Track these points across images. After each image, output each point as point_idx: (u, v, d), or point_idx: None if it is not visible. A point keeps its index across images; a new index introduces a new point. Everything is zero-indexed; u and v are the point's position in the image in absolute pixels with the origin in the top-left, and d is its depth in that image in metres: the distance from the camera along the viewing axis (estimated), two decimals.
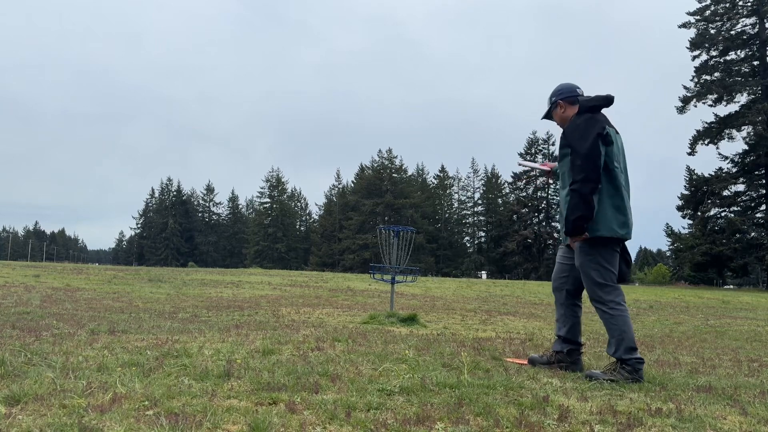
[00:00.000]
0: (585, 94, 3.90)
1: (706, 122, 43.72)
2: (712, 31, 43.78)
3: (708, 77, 43.72)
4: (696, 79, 44.10)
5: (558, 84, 3.99)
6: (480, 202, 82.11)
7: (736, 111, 42.68)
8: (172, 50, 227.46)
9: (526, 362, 4.08)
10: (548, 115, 4.05)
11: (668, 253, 64.56)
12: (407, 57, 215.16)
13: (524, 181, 69.29)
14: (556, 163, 4.00)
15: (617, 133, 3.77)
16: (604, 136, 3.58)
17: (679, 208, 45.91)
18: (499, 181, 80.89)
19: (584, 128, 3.61)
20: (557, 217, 4.16)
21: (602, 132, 3.57)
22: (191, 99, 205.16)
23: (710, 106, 43.46)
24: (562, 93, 3.88)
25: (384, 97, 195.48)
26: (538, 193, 68.66)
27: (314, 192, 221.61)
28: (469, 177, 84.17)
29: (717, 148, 43.85)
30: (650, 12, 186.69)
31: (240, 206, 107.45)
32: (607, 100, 3.73)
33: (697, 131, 44.10)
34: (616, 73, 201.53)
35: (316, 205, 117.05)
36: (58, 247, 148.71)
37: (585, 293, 3.90)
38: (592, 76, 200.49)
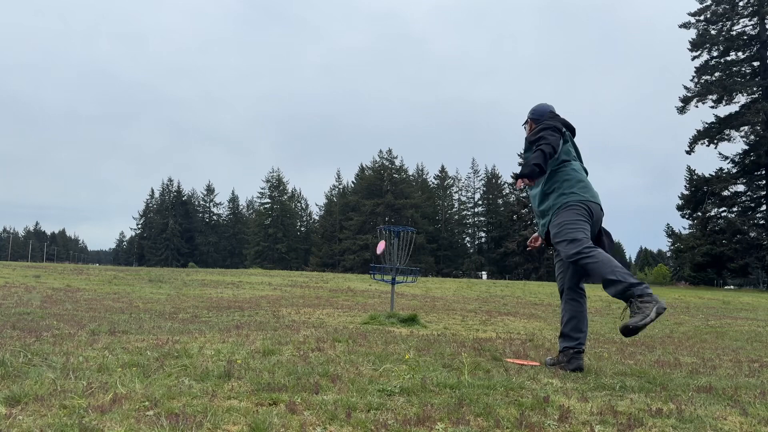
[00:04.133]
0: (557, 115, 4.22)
1: (706, 122, 43.79)
2: (713, 32, 43.81)
3: (708, 78, 43.77)
4: (696, 80, 44.15)
5: (538, 103, 4.28)
6: (480, 202, 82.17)
7: (736, 111, 42.72)
8: (175, 50, 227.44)
9: (526, 362, 4.09)
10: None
11: (668, 254, 64.52)
12: (411, 56, 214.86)
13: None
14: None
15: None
16: (562, 133, 3.93)
17: (679, 208, 45.95)
18: (499, 181, 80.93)
19: (542, 126, 3.95)
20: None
21: (560, 127, 3.93)
22: (194, 99, 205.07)
23: (710, 106, 43.53)
24: (534, 113, 4.21)
25: (386, 97, 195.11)
26: None
27: (315, 192, 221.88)
28: (469, 177, 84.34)
29: (717, 148, 43.95)
30: (655, 11, 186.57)
31: (240, 207, 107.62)
32: (565, 123, 4.07)
33: (697, 131, 44.15)
34: (619, 73, 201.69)
35: (317, 205, 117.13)
36: (58, 248, 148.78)
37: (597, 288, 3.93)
38: (595, 76, 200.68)
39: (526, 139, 4.11)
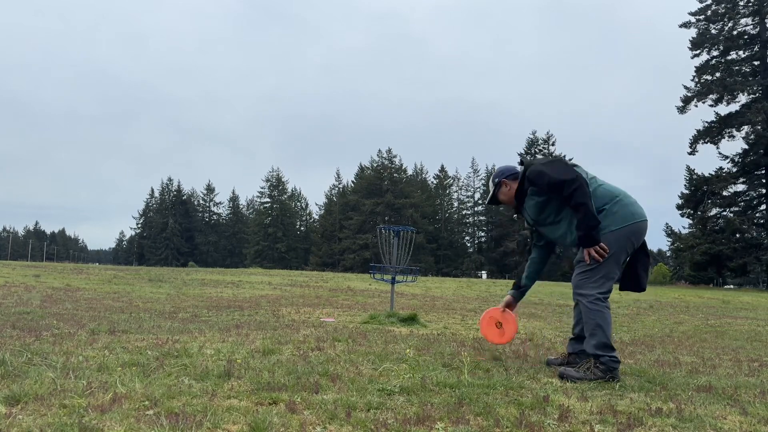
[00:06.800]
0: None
1: (707, 122, 43.78)
2: (713, 31, 43.80)
3: (709, 77, 43.74)
4: (696, 79, 44.13)
5: (498, 166, 4.19)
6: (480, 201, 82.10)
7: (736, 111, 42.71)
8: (175, 50, 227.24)
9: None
10: (494, 199, 4.12)
11: (668, 253, 64.53)
12: (411, 56, 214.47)
13: None
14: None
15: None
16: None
17: (679, 208, 45.91)
18: None
19: (546, 164, 3.76)
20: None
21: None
22: (194, 99, 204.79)
23: (711, 105, 43.52)
24: (504, 173, 4.01)
25: (386, 97, 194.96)
26: None
27: (314, 192, 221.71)
28: (469, 177, 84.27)
29: (717, 147, 43.94)
30: (655, 11, 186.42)
31: (240, 206, 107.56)
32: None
33: (698, 131, 44.13)
34: (619, 73, 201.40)
35: (317, 204, 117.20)
36: (58, 247, 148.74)
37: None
38: (595, 76, 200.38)
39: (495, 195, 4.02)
